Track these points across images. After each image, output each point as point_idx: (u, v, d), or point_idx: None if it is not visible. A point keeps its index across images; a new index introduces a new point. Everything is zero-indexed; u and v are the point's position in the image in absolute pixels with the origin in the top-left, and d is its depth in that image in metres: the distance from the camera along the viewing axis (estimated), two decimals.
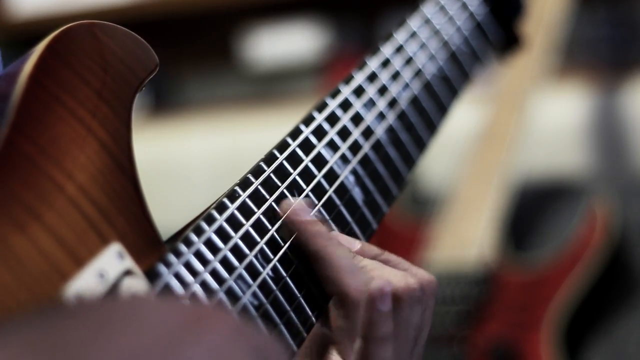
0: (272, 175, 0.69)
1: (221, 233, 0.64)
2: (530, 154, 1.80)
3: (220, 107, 2.38)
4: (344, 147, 0.75)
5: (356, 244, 0.70)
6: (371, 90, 0.80)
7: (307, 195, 0.71)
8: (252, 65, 2.42)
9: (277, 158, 0.71)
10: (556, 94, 1.87)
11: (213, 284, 0.62)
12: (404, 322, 0.67)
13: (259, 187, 0.68)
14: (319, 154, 0.73)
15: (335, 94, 0.78)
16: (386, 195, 0.77)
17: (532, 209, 1.78)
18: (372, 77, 0.80)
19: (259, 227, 0.67)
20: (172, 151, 2.27)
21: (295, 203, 0.69)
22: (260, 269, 0.65)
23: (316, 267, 0.67)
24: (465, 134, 1.80)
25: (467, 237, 1.67)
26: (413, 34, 0.85)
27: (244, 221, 0.66)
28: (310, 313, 0.67)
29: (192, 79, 2.54)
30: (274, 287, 0.65)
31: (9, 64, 0.62)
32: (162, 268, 0.60)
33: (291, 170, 0.71)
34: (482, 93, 1.87)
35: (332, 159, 0.74)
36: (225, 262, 0.63)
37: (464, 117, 1.82)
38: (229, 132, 2.23)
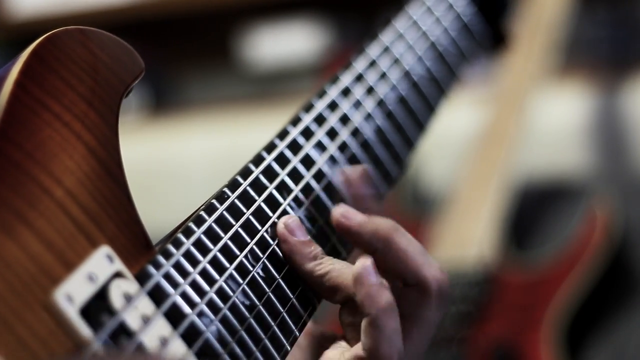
0: (260, 175, 0.69)
1: (210, 234, 0.64)
2: (530, 154, 1.80)
3: (220, 107, 2.38)
4: (332, 148, 0.75)
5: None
6: (358, 91, 0.80)
7: (296, 196, 0.71)
8: (252, 65, 2.42)
9: (265, 159, 0.71)
10: (557, 94, 1.87)
11: (203, 284, 0.62)
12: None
13: (248, 187, 0.68)
14: (307, 155, 0.73)
15: (321, 94, 0.78)
16: (375, 195, 0.77)
17: (533, 209, 1.78)
18: (359, 78, 0.80)
19: (248, 227, 0.67)
20: (172, 151, 2.27)
21: (340, 209, 0.69)
22: (250, 269, 0.65)
23: (387, 256, 0.68)
24: (465, 134, 1.80)
25: (467, 237, 1.67)
26: (400, 36, 0.85)
27: (233, 222, 0.66)
28: (303, 312, 0.67)
29: (192, 79, 2.54)
30: (265, 287, 0.66)
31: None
32: (151, 269, 0.60)
33: (279, 171, 0.71)
34: (483, 93, 1.87)
35: (321, 160, 0.74)
36: (214, 262, 0.63)
37: (464, 117, 1.82)
38: (229, 132, 2.23)
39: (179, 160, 2.25)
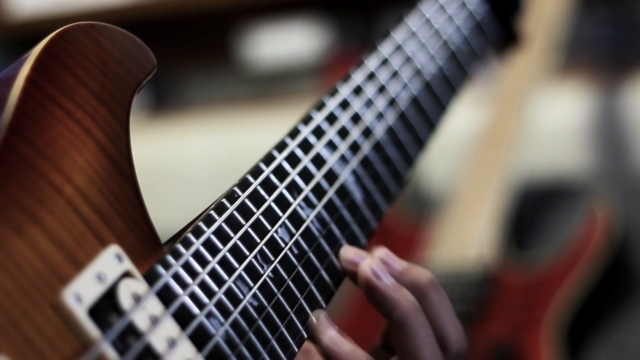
0: (271, 175, 0.69)
1: (220, 234, 0.64)
2: (531, 154, 1.80)
3: (220, 107, 2.38)
4: (343, 147, 0.75)
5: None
6: (370, 90, 0.79)
7: (307, 196, 0.70)
8: (252, 65, 2.42)
9: (276, 158, 0.70)
10: (557, 94, 1.87)
11: (212, 284, 0.61)
12: None
13: (258, 187, 0.68)
14: (318, 154, 0.73)
15: (333, 93, 0.77)
16: (386, 195, 0.76)
17: (533, 209, 1.78)
18: (371, 77, 0.80)
19: (258, 227, 0.66)
20: (172, 151, 2.27)
21: (373, 263, 0.68)
22: (260, 269, 0.65)
23: (395, 332, 0.67)
24: (466, 134, 1.80)
25: (467, 237, 1.66)
26: (412, 34, 0.85)
27: (243, 222, 0.66)
28: (310, 312, 0.67)
29: (192, 79, 2.54)
30: (274, 288, 0.65)
31: (9, 65, 0.62)
32: (160, 269, 0.60)
33: (290, 170, 0.71)
34: (483, 93, 1.87)
35: (332, 159, 0.74)
36: (224, 262, 0.63)
37: (464, 117, 1.82)
38: (229, 132, 2.23)
39: (179, 160, 2.25)
